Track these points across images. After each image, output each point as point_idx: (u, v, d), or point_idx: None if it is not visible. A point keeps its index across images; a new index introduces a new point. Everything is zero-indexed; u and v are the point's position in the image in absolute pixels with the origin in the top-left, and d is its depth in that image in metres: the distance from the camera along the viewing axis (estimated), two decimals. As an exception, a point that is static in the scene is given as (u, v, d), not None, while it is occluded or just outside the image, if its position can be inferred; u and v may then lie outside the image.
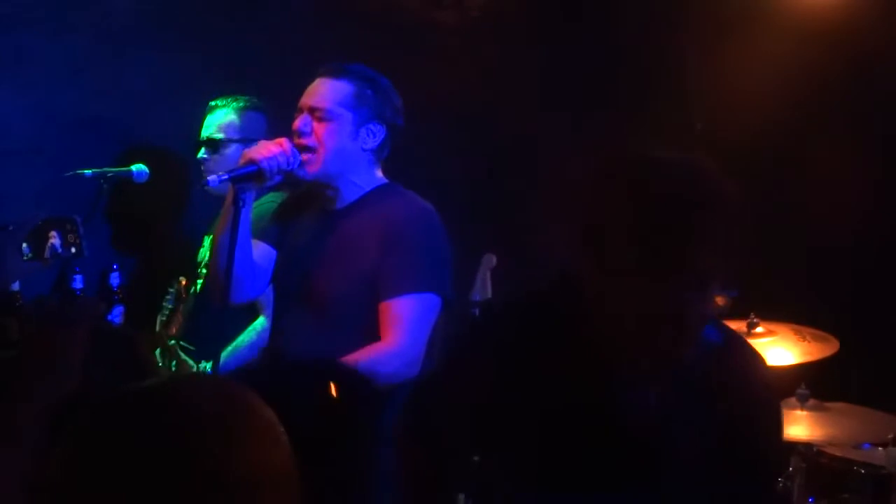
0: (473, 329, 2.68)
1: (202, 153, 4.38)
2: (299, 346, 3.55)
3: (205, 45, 5.15)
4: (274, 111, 4.43)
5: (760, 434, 2.46)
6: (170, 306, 4.30)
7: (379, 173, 3.68)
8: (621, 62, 5.78)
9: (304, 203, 3.75)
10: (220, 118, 4.40)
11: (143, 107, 4.99)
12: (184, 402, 1.51)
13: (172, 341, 4.10)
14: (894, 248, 5.00)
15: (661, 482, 2.35)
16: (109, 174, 4.30)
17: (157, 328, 4.28)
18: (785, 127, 5.34)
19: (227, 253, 3.45)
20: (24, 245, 2.97)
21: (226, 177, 3.47)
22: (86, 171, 4.26)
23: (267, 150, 3.48)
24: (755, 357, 2.54)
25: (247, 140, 4.23)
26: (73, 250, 3.06)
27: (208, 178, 3.49)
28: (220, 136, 4.34)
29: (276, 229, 3.76)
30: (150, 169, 4.42)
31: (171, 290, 4.29)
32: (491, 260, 5.46)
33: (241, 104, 4.41)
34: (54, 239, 3.02)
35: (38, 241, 3.01)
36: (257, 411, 1.54)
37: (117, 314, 4.49)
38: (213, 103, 4.44)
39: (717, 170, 2.27)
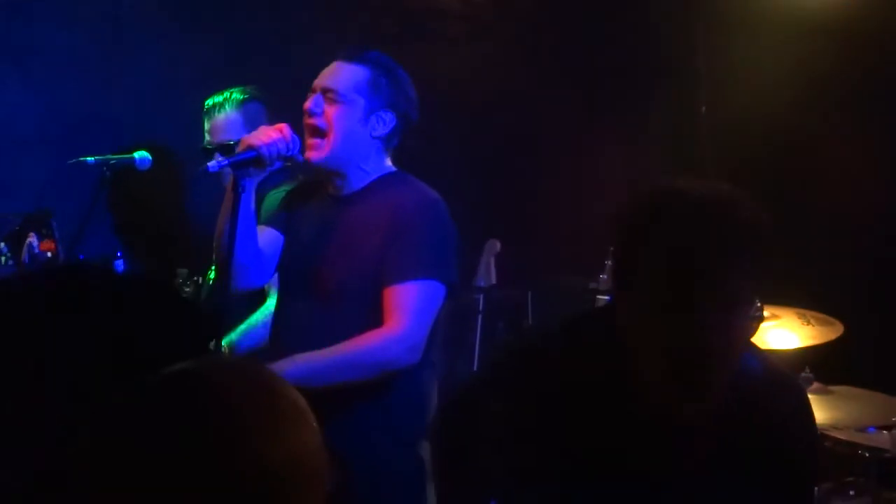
0: (510, 356, 2.62)
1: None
2: (303, 332, 3.54)
3: (211, 36, 5.17)
4: (270, 98, 4.41)
5: (799, 485, 2.42)
6: None
7: (388, 162, 3.65)
8: (628, 49, 5.78)
9: (312, 190, 3.73)
10: (223, 119, 4.35)
11: (149, 95, 5.00)
12: (217, 387, 1.52)
13: None
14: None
15: None
16: (112, 161, 4.30)
17: None
18: (791, 111, 5.33)
19: (227, 240, 3.44)
20: (2, 244, 2.98)
21: (225, 162, 3.45)
22: (89, 159, 4.26)
23: (266, 135, 3.47)
24: (798, 396, 2.49)
25: None
26: (49, 254, 3.06)
27: (208, 164, 3.48)
28: (231, 138, 4.29)
29: (285, 216, 3.75)
30: (154, 157, 4.42)
31: (188, 290, 4.25)
32: (494, 246, 5.47)
33: (239, 97, 4.37)
34: (31, 238, 3.02)
35: (17, 243, 3.01)
36: (285, 394, 1.55)
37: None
38: (209, 103, 4.38)
39: (745, 198, 2.22)
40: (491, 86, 5.61)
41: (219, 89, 4.44)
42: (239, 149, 3.50)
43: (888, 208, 5.09)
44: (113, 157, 4.32)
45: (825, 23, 5.28)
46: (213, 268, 4.27)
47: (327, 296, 3.53)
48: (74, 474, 1.49)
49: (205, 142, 4.34)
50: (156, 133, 4.84)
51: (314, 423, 1.56)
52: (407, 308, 3.42)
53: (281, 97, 4.37)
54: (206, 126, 4.36)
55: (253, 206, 3.56)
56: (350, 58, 3.60)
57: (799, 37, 5.35)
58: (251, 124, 4.22)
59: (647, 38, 5.71)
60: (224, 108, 4.33)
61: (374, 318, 3.44)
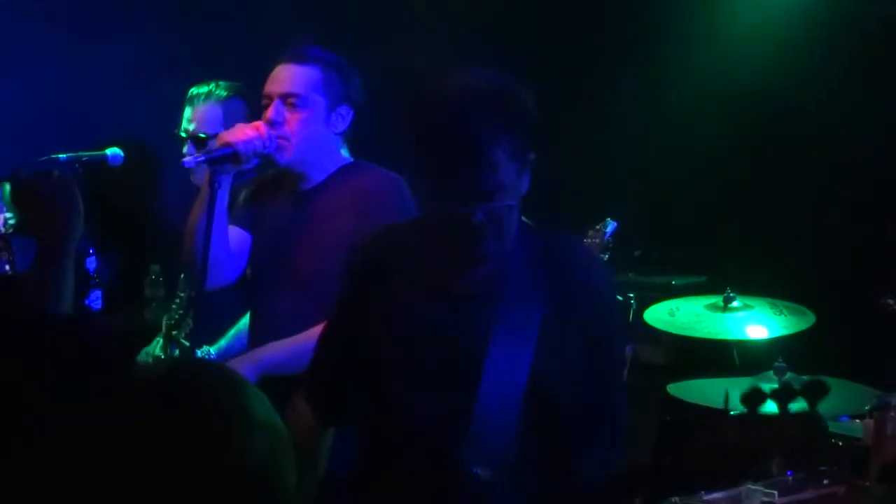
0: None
1: (187, 149, 4.32)
2: (280, 327, 3.57)
3: (182, 29, 5.15)
4: (253, 96, 4.40)
5: (597, 297, 2.67)
6: (180, 311, 4.23)
7: (345, 152, 3.71)
8: (599, 34, 5.79)
9: (275, 185, 3.77)
10: (204, 112, 4.32)
11: (120, 91, 4.98)
12: (191, 389, 1.53)
13: (175, 331, 4.06)
14: (868, 222, 5.02)
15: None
16: (84, 158, 4.27)
17: (164, 329, 4.22)
18: (765, 98, 5.35)
19: (203, 236, 3.45)
20: None
21: (202, 158, 3.48)
22: (60, 156, 4.23)
23: (244, 133, 3.49)
24: (591, 250, 2.90)
25: None
26: (7, 267, 3.10)
27: (185, 160, 3.50)
28: (206, 132, 4.26)
29: (249, 213, 3.77)
30: (127, 153, 4.40)
31: (182, 294, 4.22)
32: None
33: (223, 94, 4.35)
34: None
35: None
36: (255, 394, 1.56)
37: (95, 298, 4.48)
38: (193, 92, 4.36)
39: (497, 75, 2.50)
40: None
41: (189, 81, 4.43)
42: (216, 145, 3.52)
43: (861, 197, 5.12)
44: (85, 154, 4.30)
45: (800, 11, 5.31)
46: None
47: (300, 284, 3.59)
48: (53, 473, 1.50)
49: (181, 128, 4.31)
50: (127, 126, 4.82)
51: (282, 424, 1.57)
52: None
53: (252, 88, 4.37)
54: (188, 114, 4.33)
55: (227, 202, 3.58)
56: (297, 59, 3.64)
57: (773, 22, 5.37)
58: (230, 121, 4.21)
59: (622, 20, 5.73)
60: (209, 99, 4.31)
61: None
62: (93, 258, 4.62)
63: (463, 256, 2.54)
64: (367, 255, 2.80)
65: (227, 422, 1.49)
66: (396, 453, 2.65)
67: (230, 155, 3.47)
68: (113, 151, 4.35)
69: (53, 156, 4.23)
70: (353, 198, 3.57)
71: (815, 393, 2.94)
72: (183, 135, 4.27)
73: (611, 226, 4.16)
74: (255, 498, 1.48)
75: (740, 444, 2.66)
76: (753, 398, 2.75)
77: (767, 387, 2.68)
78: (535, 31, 5.81)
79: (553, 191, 5.64)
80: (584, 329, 2.62)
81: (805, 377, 4.07)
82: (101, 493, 1.46)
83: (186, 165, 3.49)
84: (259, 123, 3.54)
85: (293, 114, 3.58)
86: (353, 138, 3.75)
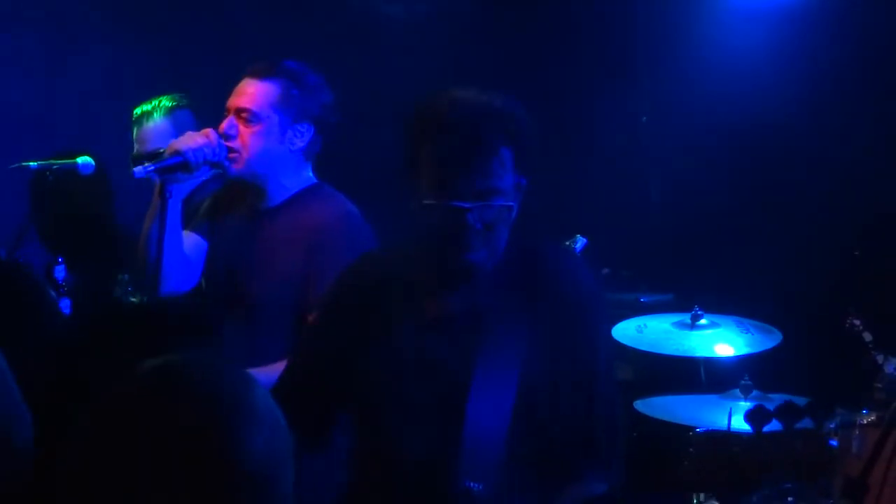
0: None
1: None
2: (231, 351, 3.54)
3: (154, 40, 5.15)
4: (199, 105, 4.38)
5: (582, 331, 2.71)
6: None
7: (308, 172, 3.67)
8: (572, 54, 5.81)
9: (236, 198, 3.75)
10: (152, 127, 4.30)
11: (93, 101, 4.97)
12: (199, 379, 1.53)
13: None
14: (834, 242, 5.06)
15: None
16: (55, 166, 4.27)
17: None
18: (733, 121, 5.38)
19: (156, 244, 3.43)
20: None
21: (152, 168, 3.44)
22: (31, 164, 4.23)
23: (193, 140, 3.47)
24: (572, 257, 2.93)
25: None
26: None
27: (134, 168, 3.46)
28: (161, 146, 4.24)
29: (207, 223, 3.75)
30: (97, 163, 4.39)
31: (134, 299, 4.21)
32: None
33: (168, 105, 4.33)
34: None
35: None
36: (258, 390, 1.56)
37: (64, 307, 4.46)
38: (137, 112, 4.33)
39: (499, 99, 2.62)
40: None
41: (161, 94, 4.42)
42: (165, 154, 3.49)
43: (829, 218, 5.15)
44: (56, 162, 4.29)
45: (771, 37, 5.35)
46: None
47: (248, 310, 3.58)
48: (65, 467, 1.50)
49: (134, 151, 4.30)
50: (99, 137, 4.81)
51: (285, 422, 1.57)
52: None
53: (222, 103, 4.37)
54: (135, 135, 4.32)
55: (180, 212, 3.55)
56: (259, 74, 3.61)
57: (744, 45, 5.40)
58: (180, 131, 4.20)
59: (595, 40, 5.75)
60: (153, 117, 4.29)
61: (293, 333, 3.44)
62: (61, 267, 4.60)
63: (452, 260, 2.61)
64: (350, 281, 2.85)
65: (229, 410, 1.50)
66: (388, 475, 2.69)
67: (180, 164, 3.45)
68: (84, 160, 4.34)
69: (24, 163, 4.23)
70: (307, 230, 3.54)
71: (821, 412, 3.00)
72: (138, 156, 4.23)
73: (580, 242, 4.18)
74: (254, 491, 1.48)
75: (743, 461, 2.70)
76: (758, 417, 2.80)
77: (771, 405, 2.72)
78: (511, 51, 5.83)
79: (523, 206, 5.66)
80: (568, 345, 2.67)
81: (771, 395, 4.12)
82: (99, 480, 1.46)
83: (137, 176, 3.44)
84: (208, 131, 3.51)
85: (245, 128, 3.55)
86: (337, 156, 3.72)
